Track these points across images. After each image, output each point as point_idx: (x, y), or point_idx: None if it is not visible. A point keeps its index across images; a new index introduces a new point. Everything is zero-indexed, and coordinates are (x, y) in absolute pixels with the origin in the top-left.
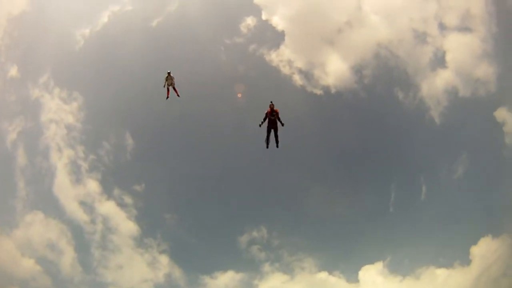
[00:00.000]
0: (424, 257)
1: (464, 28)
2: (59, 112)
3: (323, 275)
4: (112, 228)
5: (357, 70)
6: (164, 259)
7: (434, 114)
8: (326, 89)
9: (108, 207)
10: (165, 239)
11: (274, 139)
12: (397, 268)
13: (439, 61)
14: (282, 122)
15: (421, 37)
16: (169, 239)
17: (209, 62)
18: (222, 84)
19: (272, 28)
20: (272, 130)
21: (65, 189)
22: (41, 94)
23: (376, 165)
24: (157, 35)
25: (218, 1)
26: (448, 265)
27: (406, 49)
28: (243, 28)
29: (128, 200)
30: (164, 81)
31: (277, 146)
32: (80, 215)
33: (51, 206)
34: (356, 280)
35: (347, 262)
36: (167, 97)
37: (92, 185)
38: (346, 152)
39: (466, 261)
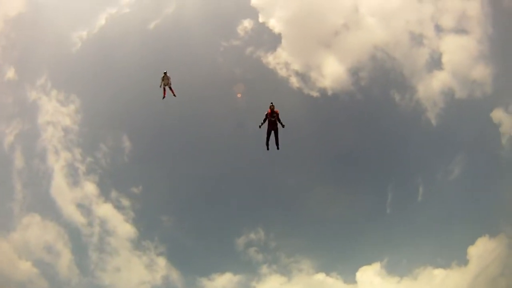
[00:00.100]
0: (422, 257)
1: (460, 30)
2: (56, 114)
3: (321, 276)
4: (109, 231)
5: (354, 72)
6: (161, 262)
7: (430, 116)
8: (323, 91)
9: (105, 210)
10: (162, 241)
11: (274, 140)
12: (394, 269)
13: (435, 62)
14: (283, 123)
15: (417, 39)
16: (166, 241)
17: (206, 65)
18: (219, 86)
19: (269, 31)
20: (273, 132)
21: (62, 192)
22: (38, 96)
23: (373, 167)
24: (154, 37)
25: (215, 4)
26: (445, 265)
27: (402, 51)
28: (240, 30)
29: (125, 202)
30: (161, 81)
31: (278, 148)
32: (78, 218)
33: (48, 209)
34: (354, 281)
35: (344, 263)
36: (163, 97)
37: (90, 188)
38: (343, 153)
39: (463, 261)
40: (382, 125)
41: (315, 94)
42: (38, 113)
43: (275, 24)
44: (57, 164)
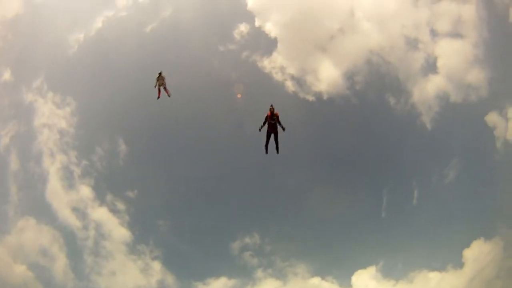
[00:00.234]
0: (417, 261)
1: (455, 34)
2: (52, 117)
3: (316, 280)
4: (104, 234)
5: (349, 76)
6: (156, 266)
7: (425, 120)
8: (318, 95)
9: (100, 213)
10: (157, 245)
11: (273, 144)
12: (390, 273)
13: (430, 67)
14: (283, 126)
15: (412, 43)
16: (161, 246)
17: (203, 68)
18: (215, 90)
19: (265, 35)
20: (272, 135)
21: (57, 195)
22: (34, 99)
23: (368, 170)
24: (150, 40)
25: (212, 8)
26: (441, 268)
27: (398, 55)
28: (236, 34)
29: (120, 206)
30: (155, 81)
31: (277, 152)
32: (73, 221)
33: (43, 212)
34: (349, 285)
35: (340, 267)
36: (158, 97)
37: (85, 191)
38: (338, 157)
39: (459, 264)
40: (377, 129)
41: (310, 98)
42: (34, 116)
43: (271, 28)
44: (53, 167)
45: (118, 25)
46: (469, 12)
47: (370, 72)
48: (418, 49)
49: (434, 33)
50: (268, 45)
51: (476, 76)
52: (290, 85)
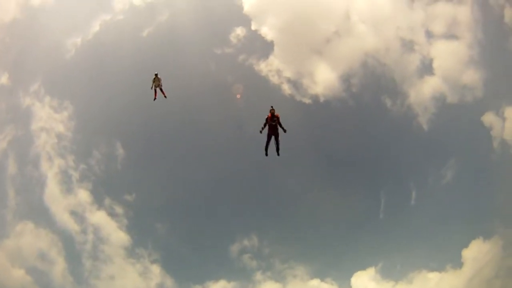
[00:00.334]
0: (416, 261)
1: (450, 36)
2: (49, 121)
3: (315, 282)
4: (103, 238)
5: (345, 79)
6: (155, 269)
7: (422, 121)
8: (315, 98)
9: (99, 217)
10: (156, 248)
11: (273, 147)
12: (389, 273)
13: (426, 68)
14: (284, 128)
15: (408, 45)
16: (160, 249)
17: (199, 72)
18: (212, 93)
19: (261, 38)
20: (273, 137)
21: (55, 199)
22: (32, 103)
23: (365, 172)
24: (147, 44)
25: (208, 12)
26: (440, 268)
27: (393, 58)
28: (232, 38)
29: (119, 210)
30: (152, 82)
31: (278, 154)
32: (71, 225)
33: (41, 216)
34: (349, 287)
35: (339, 268)
36: (155, 98)
37: (83, 195)
38: (335, 160)
39: (458, 264)
40: (374, 131)
41: (307, 101)
42: (32, 120)
43: (267, 32)
44: (51, 171)
45: (115, 29)
46: (464, 13)
47: (366, 74)
48: (414, 51)
49: (429, 35)
50: (265, 48)
51: (472, 76)
52: (286, 88)
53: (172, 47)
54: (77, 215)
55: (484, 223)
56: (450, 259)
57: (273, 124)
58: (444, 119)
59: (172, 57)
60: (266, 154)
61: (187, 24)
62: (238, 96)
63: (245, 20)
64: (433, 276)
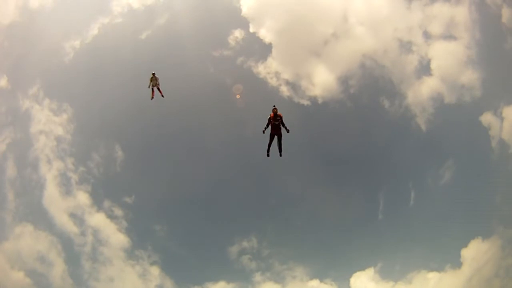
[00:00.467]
0: (415, 261)
1: (448, 36)
2: (48, 123)
3: (315, 283)
4: (102, 240)
5: (344, 80)
6: (155, 271)
7: (420, 121)
8: (313, 99)
9: (98, 219)
10: (155, 250)
11: (273, 148)
12: (388, 274)
13: (424, 69)
14: (287, 128)
15: (406, 46)
16: (159, 251)
17: (198, 74)
18: (211, 96)
19: (260, 41)
20: (276, 137)
21: (54, 201)
22: (31, 105)
23: (364, 173)
24: (146, 47)
25: (207, 14)
26: (439, 268)
27: (391, 59)
28: (231, 40)
29: (118, 212)
30: (149, 81)
31: (280, 155)
32: (70, 227)
33: (40, 218)
34: (348, 287)
35: (338, 269)
36: (152, 98)
37: (82, 197)
38: (334, 161)
39: (457, 264)
40: (372, 132)
41: (305, 102)
42: (31, 122)
43: (265, 34)
44: (50, 174)
45: (113, 32)
46: (462, 13)
47: (364, 75)
48: (412, 52)
49: (427, 36)
50: (263, 50)
51: (470, 77)
52: (285, 90)
53: (171, 50)
54: (76, 217)
55: (483, 223)
56: (449, 259)
57: (276, 123)
58: (442, 119)
59: (171, 59)
60: (268, 155)
61: (185, 27)
62: (238, 96)
63: (243, 23)
64: (433, 276)
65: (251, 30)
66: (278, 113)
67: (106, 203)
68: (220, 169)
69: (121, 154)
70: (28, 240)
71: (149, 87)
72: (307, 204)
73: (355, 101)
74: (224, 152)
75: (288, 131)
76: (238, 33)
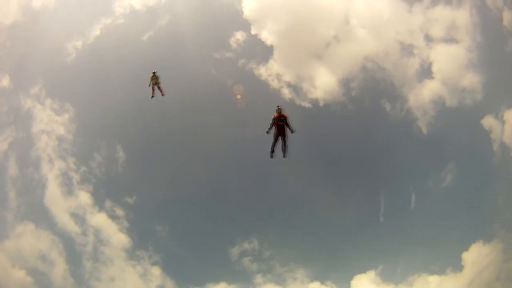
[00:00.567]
0: (416, 264)
1: (449, 39)
2: (50, 123)
3: (316, 285)
4: (103, 240)
5: (345, 83)
6: (156, 271)
7: (421, 124)
8: (315, 102)
9: (99, 219)
10: (157, 251)
11: (278, 148)
12: (389, 277)
13: (425, 72)
14: (292, 128)
15: (407, 49)
16: (161, 251)
17: (200, 76)
18: (212, 98)
19: (261, 43)
20: (280, 138)
21: (56, 201)
22: (33, 105)
23: (365, 176)
24: (148, 48)
25: (208, 16)
26: (440, 271)
27: (392, 62)
28: (232, 42)
29: (119, 212)
30: (150, 80)
31: (284, 156)
32: (72, 227)
33: (42, 217)
34: None
35: (339, 271)
36: (152, 96)
37: (84, 197)
38: (335, 163)
39: (458, 267)
40: (374, 134)
41: (307, 105)
42: (33, 122)
43: (267, 36)
44: (51, 173)
45: (115, 33)
46: (463, 17)
47: (365, 78)
48: (413, 55)
49: (428, 39)
50: (265, 52)
51: (471, 80)
52: (286, 92)
53: (172, 51)
54: (78, 217)
55: (484, 226)
56: (450, 263)
57: (280, 124)
58: (444, 122)
59: (172, 61)
60: (272, 156)
61: (187, 28)
62: (239, 96)
63: (245, 25)
64: (433, 279)
65: (253, 32)
66: (282, 113)
67: (108, 203)
68: (221, 170)
69: (122, 154)
70: (30, 239)
71: (149, 85)
72: (308, 206)
73: (357, 104)
74: (226, 154)
75: (292, 131)
76: (239, 35)
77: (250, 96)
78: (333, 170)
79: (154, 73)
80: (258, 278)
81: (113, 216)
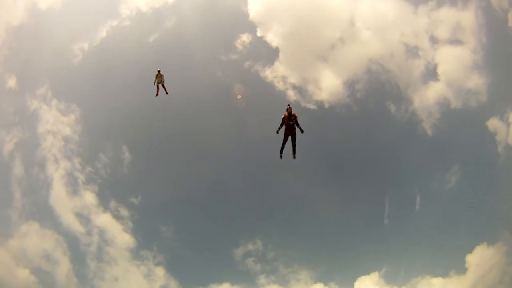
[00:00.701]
0: (420, 266)
1: (455, 41)
2: (56, 123)
3: (319, 286)
4: (108, 240)
5: (350, 85)
6: (160, 271)
7: (426, 126)
8: (320, 104)
9: (104, 219)
10: (161, 251)
11: (287, 149)
12: (393, 279)
13: (430, 73)
14: (302, 128)
15: (412, 51)
16: (165, 251)
17: (205, 78)
18: (218, 99)
19: (267, 45)
20: (290, 138)
21: (61, 201)
22: (39, 106)
23: (370, 178)
24: (153, 50)
25: (214, 18)
26: (444, 274)
27: (397, 63)
28: (238, 44)
29: (124, 212)
30: (154, 78)
31: (294, 157)
32: (76, 227)
33: (47, 217)
34: None
35: (342, 273)
36: (157, 94)
37: (89, 197)
38: (340, 165)
39: (462, 269)
40: (379, 136)
41: (312, 107)
42: (39, 122)
43: (272, 38)
44: (57, 173)
45: (122, 35)
46: (468, 18)
47: (370, 80)
48: (418, 57)
49: (433, 40)
50: (270, 55)
51: (476, 81)
52: (292, 94)
53: (178, 53)
54: (83, 217)
55: (488, 228)
56: (454, 265)
57: (290, 123)
58: (449, 124)
59: (178, 63)
60: (281, 157)
61: (193, 30)
62: (239, 96)
63: (251, 27)
64: (437, 282)
65: (259, 34)
66: (292, 112)
67: (113, 203)
68: (226, 171)
69: (128, 155)
70: (34, 238)
71: (154, 84)
72: (312, 207)
73: (362, 106)
74: (231, 155)
75: (302, 131)
76: (245, 37)
77: (256, 98)
78: (337, 172)
79: (158, 71)
80: (262, 279)
81: (117, 216)
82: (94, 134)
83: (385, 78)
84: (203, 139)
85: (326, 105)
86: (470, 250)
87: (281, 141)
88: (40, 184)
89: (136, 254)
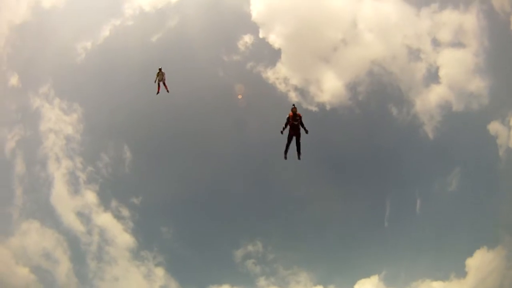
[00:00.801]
0: (420, 270)
1: (457, 44)
2: (58, 122)
3: None
4: (108, 240)
5: (352, 87)
6: (160, 272)
7: (427, 129)
8: (322, 106)
9: (105, 219)
10: (161, 252)
11: (292, 150)
12: (393, 282)
13: (432, 76)
14: (306, 128)
15: (414, 54)
16: (165, 252)
17: (207, 78)
18: (220, 100)
19: (269, 46)
20: (294, 138)
21: (62, 199)
22: (41, 104)
23: (371, 180)
24: (156, 50)
25: (217, 19)
26: (444, 277)
27: (399, 66)
28: (240, 45)
29: (125, 212)
30: (155, 76)
31: (299, 158)
32: (77, 226)
33: (47, 216)
34: None
35: (342, 275)
36: (158, 92)
37: (90, 197)
38: (341, 167)
39: (462, 273)
40: (380, 139)
41: (314, 108)
42: (41, 121)
43: (275, 40)
44: (58, 172)
45: (124, 34)
46: (470, 21)
47: (372, 82)
48: (420, 59)
49: (435, 43)
50: (272, 56)
51: (478, 84)
52: (293, 96)
53: (181, 53)
54: (83, 216)
55: (488, 232)
56: (454, 268)
57: (295, 123)
58: (450, 127)
59: (181, 63)
60: (286, 158)
61: (196, 30)
62: (240, 96)
63: (253, 28)
64: (437, 285)
65: (261, 35)
66: (297, 112)
67: (113, 203)
68: (227, 172)
69: (129, 155)
70: (34, 237)
71: (155, 81)
72: (313, 209)
73: (363, 108)
74: (232, 156)
75: (307, 132)
76: (247, 38)
77: (257, 99)
78: (338, 174)
79: (160, 69)
80: (262, 281)
81: (118, 216)
82: (96, 134)
83: (387, 81)
84: (204, 139)
85: (328, 107)
86: (470, 253)
87: (285, 142)
88: (41, 183)
89: (136, 254)
